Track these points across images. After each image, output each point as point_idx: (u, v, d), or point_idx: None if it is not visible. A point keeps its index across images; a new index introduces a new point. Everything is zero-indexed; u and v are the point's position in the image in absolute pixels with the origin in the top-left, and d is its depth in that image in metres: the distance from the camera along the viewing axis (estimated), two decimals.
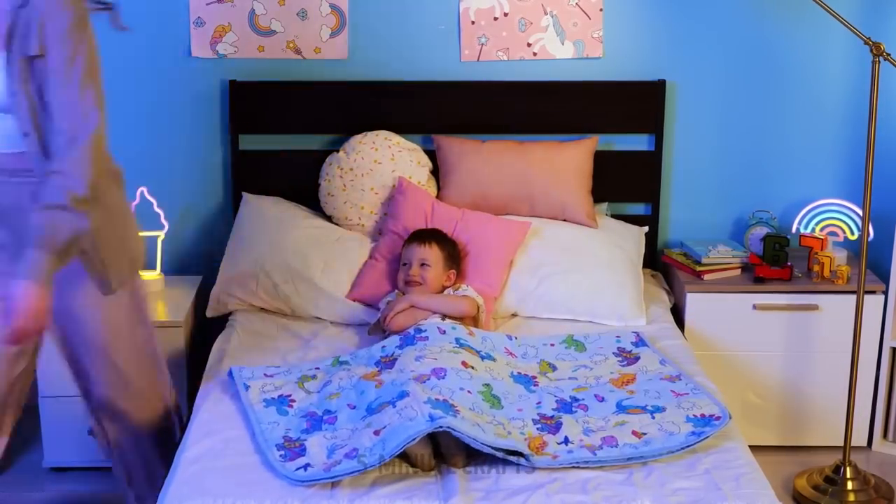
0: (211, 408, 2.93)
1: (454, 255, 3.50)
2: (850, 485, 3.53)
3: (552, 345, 3.25)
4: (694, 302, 3.69)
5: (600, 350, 3.24)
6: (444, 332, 3.11)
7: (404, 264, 3.46)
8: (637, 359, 3.17)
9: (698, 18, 3.84)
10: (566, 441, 2.71)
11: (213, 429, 2.81)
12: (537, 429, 2.78)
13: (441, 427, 2.56)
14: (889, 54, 3.33)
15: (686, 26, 3.85)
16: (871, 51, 3.32)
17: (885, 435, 3.84)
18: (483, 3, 3.80)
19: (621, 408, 2.88)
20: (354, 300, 3.54)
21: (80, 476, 3.59)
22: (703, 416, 2.81)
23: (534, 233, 3.63)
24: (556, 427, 2.78)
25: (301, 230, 3.65)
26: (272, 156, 3.87)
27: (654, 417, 2.82)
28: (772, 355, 3.74)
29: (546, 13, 3.81)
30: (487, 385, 2.89)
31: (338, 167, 3.74)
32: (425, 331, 3.11)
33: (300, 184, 3.84)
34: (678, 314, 3.71)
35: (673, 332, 3.47)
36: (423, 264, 3.42)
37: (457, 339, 3.08)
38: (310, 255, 3.58)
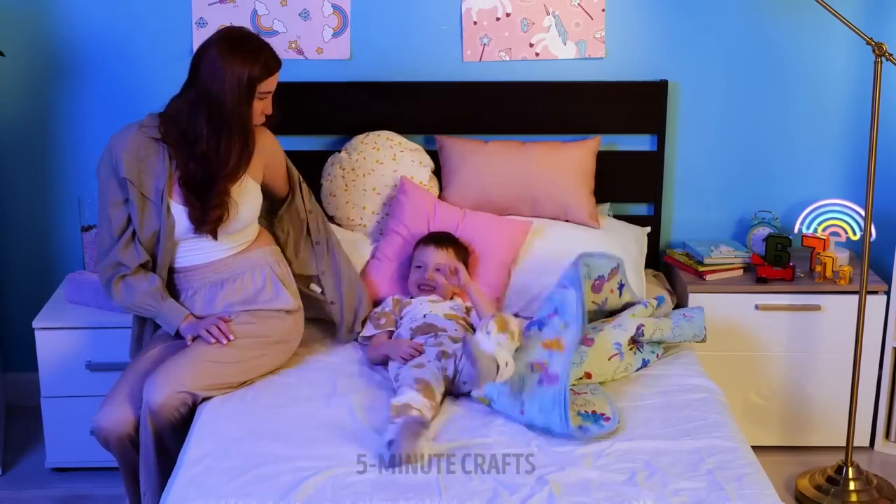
0: (213, 408, 2.93)
1: (466, 261, 3.48)
2: (852, 485, 3.53)
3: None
4: (696, 302, 3.68)
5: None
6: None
7: (418, 267, 3.43)
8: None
9: (700, 19, 3.84)
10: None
11: (215, 429, 2.82)
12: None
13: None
14: (891, 54, 3.33)
15: (688, 26, 3.85)
16: (874, 51, 3.32)
17: (887, 435, 3.84)
18: (485, 3, 3.80)
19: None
20: None
21: (82, 476, 3.58)
22: (594, 412, 2.88)
23: (536, 233, 3.63)
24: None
25: None
26: None
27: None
28: (774, 356, 3.74)
29: (548, 13, 3.81)
30: None
31: (339, 167, 3.74)
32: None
33: None
34: None
35: None
36: (438, 269, 3.40)
37: None
38: None
